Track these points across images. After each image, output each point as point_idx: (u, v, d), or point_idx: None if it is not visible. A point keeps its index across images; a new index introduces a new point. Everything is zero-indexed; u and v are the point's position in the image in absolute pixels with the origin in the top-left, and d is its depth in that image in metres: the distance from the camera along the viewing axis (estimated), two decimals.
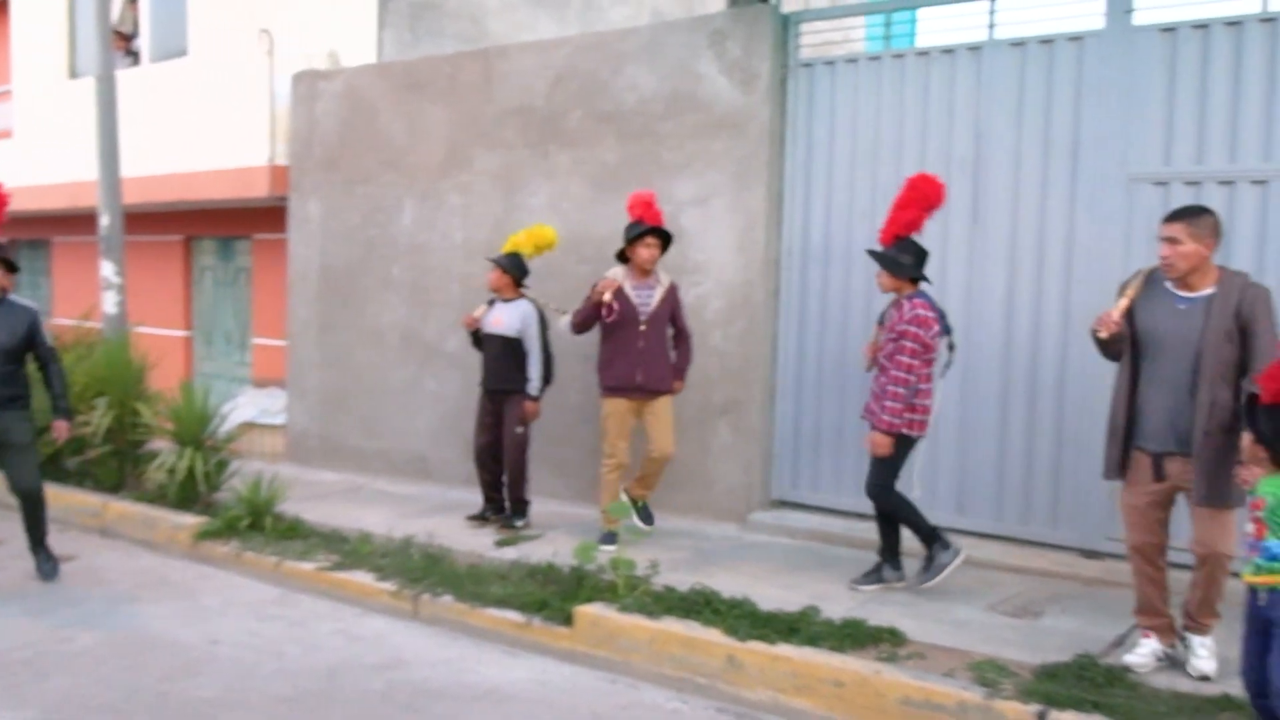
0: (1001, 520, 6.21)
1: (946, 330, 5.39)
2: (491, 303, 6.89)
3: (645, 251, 6.26)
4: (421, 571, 5.80)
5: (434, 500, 7.71)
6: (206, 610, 5.63)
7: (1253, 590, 3.51)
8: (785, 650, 4.56)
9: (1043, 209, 6.03)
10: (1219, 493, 4.16)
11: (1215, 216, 4.27)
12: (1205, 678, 4.23)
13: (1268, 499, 3.48)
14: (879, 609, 5.10)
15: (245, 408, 9.63)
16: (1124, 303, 4.36)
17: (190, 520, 6.83)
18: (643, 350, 6.27)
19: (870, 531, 6.32)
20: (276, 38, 9.56)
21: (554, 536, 6.54)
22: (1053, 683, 4.17)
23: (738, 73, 6.84)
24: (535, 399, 6.73)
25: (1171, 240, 4.21)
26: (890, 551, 5.57)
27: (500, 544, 6.41)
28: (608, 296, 6.19)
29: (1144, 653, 4.41)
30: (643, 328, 6.26)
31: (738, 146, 6.86)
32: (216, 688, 4.58)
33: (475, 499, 7.15)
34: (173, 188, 10.46)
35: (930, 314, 5.27)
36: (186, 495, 7.23)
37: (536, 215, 7.63)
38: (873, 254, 5.44)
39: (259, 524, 6.64)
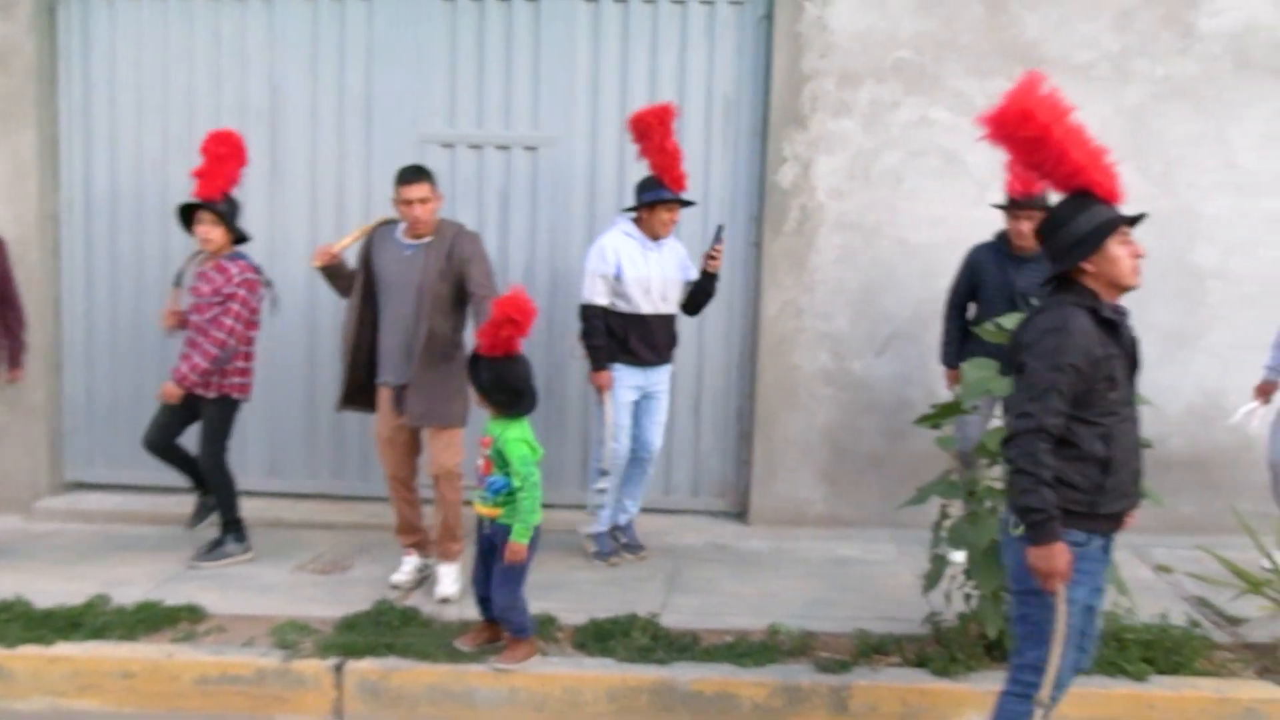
0: (315, 478, 6.21)
1: (268, 283, 5.23)
2: None
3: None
4: None
5: None
6: None
7: (480, 519, 4.10)
8: (64, 649, 4.12)
9: (341, 165, 6.06)
10: (437, 412, 4.64)
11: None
12: (446, 600, 4.63)
13: (494, 439, 3.98)
14: (179, 587, 4.78)
15: None
16: (345, 240, 4.83)
17: None
18: None
19: (178, 506, 5.98)
20: None
21: None
22: (352, 633, 4.25)
23: None
24: None
25: (424, 200, 4.59)
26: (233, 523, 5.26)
27: None
28: None
29: (406, 570, 4.90)
30: None
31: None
32: None
33: None
34: None
35: (256, 276, 5.13)
36: None
37: None
38: (209, 208, 4.98)
39: None
